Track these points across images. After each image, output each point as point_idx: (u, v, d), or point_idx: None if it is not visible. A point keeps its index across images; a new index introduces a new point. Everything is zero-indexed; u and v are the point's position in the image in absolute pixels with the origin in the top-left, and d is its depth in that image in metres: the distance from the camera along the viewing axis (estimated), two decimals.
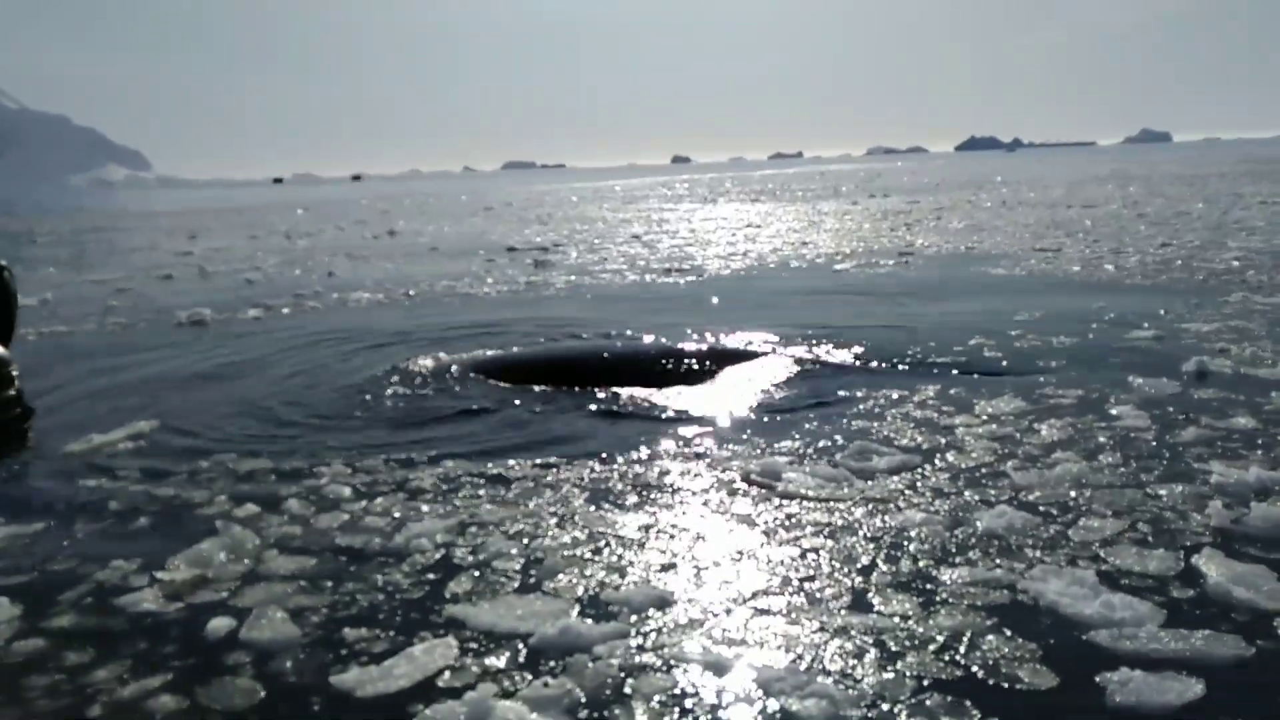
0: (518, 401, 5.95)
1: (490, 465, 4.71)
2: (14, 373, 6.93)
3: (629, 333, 8.17)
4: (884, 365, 6.34)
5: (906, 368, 6.30)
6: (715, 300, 10.19)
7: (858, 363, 6.43)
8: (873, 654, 2.83)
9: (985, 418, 5.15)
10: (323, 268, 14.66)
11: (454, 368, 6.78)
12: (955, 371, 6.13)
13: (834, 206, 29.57)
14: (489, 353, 7.17)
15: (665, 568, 3.49)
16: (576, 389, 6.17)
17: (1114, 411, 5.14)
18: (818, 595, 3.23)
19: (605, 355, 6.84)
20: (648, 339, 7.69)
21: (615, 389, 6.11)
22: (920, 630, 2.96)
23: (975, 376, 6.02)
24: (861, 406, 5.48)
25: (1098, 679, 2.65)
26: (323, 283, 12.68)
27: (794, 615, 3.10)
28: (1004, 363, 6.35)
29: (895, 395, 5.66)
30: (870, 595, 3.21)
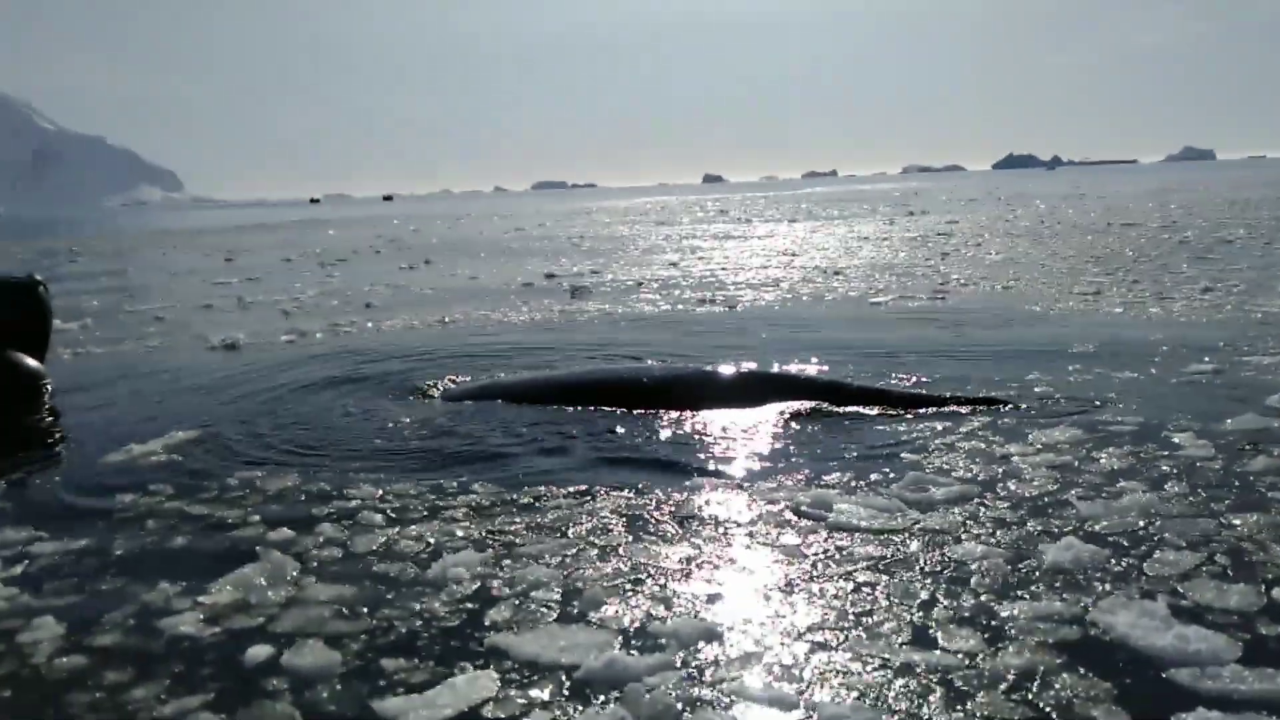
0: (549, 427, 5.88)
1: (523, 492, 4.65)
2: (47, 385, 6.99)
3: (666, 359, 8.09)
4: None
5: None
6: (752, 329, 10.06)
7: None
8: (939, 693, 2.74)
9: (1041, 447, 5.00)
10: (360, 299, 14.74)
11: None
12: (1005, 404, 5.92)
13: (872, 229, 29.36)
14: (518, 376, 7.11)
15: (712, 599, 3.41)
16: (609, 411, 6.10)
17: (1176, 440, 4.99)
18: (878, 630, 3.13)
19: (643, 379, 6.69)
20: (685, 364, 7.60)
21: (651, 413, 6.03)
22: (988, 668, 2.86)
23: (1025, 407, 5.83)
24: (909, 436, 5.35)
25: (1184, 716, 2.54)
26: (359, 312, 12.72)
27: (853, 650, 3.00)
28: (1056, 394, 6.12)
29: (941, 426, 5.52)
30: (933, 631, 3.10)
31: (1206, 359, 6.97)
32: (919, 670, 2.86)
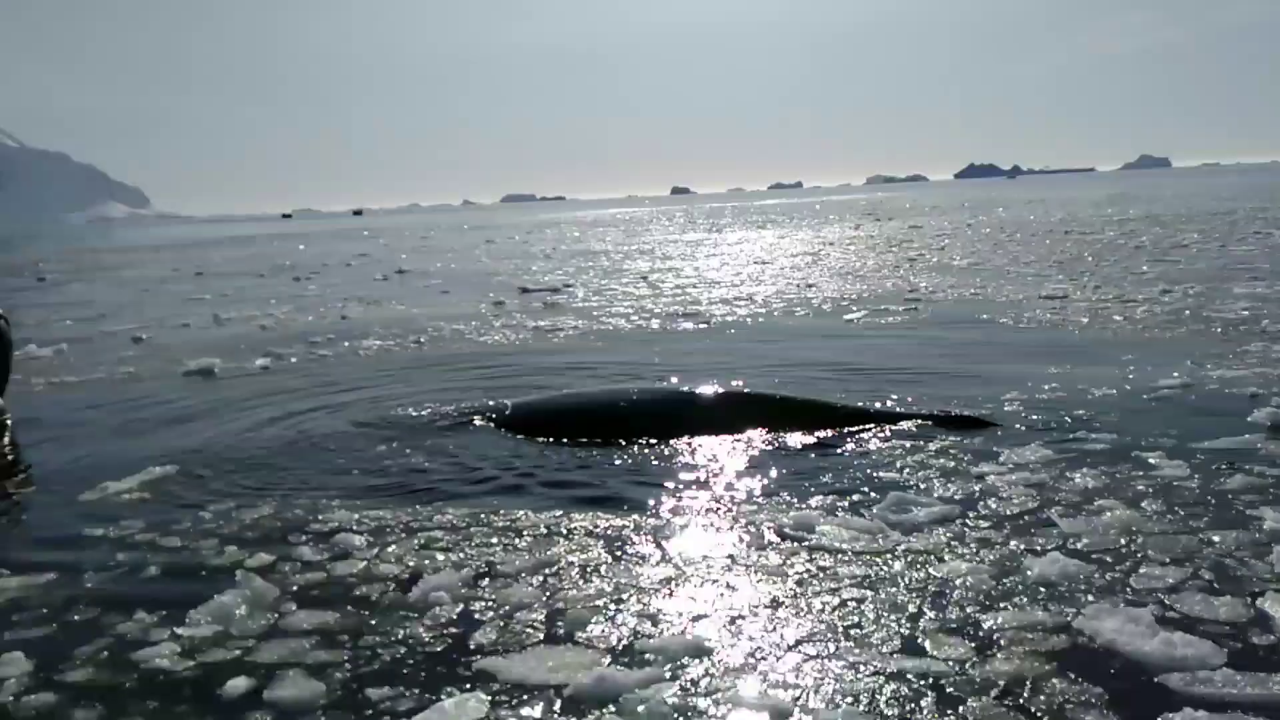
0: (524, 450, 5.88)
1: (501, 514, 4.64)
2: (7, 421, 6.85)
3: (643, 379, 8.09)
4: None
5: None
6: (726, 346, 10.07)
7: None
8: (930, 698, 2.81)
9: (1014, 465, 5.05)
10: (336, 313, 14.63)
11: (458, 414, 6.75)
12: (977, 422, 5.96)
13: (838, 235, 29.63)
14: (495, 401, 7.07)
15: (697, 618, 3.43)
16: (587, 438, 6.08)
17: (1151, 460, 5.03)
18: (867, 641, 3.18)
19: (620, 403, 6.65)
20: (662, 384, 7.56)
21: (626, 437, 6.01)
22: (979, 675, 2.93)
23: (1004, 426, 5.87)
24: (885, 456, 5.37)
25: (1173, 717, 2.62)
26: (335, 329, 12.65)
27: (844, 661, 3.06)
28: (1031, 413, 6.17)
29: (913, 444, 5.55)
30: (922, 640, 3.17)
31: (1175, 374, 7.04)
32: (910, 678, 2.93)
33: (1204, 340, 8.67)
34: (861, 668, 2.98)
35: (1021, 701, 2.75)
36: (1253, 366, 7.33)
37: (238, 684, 3.06)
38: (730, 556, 4.01)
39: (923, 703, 2.77)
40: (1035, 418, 6.05)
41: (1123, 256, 18.12)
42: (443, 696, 2.92)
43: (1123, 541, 3.95)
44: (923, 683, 2.88)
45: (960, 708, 2.73)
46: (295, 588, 3.85)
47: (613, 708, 2.82)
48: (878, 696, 2.81)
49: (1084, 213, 37.77)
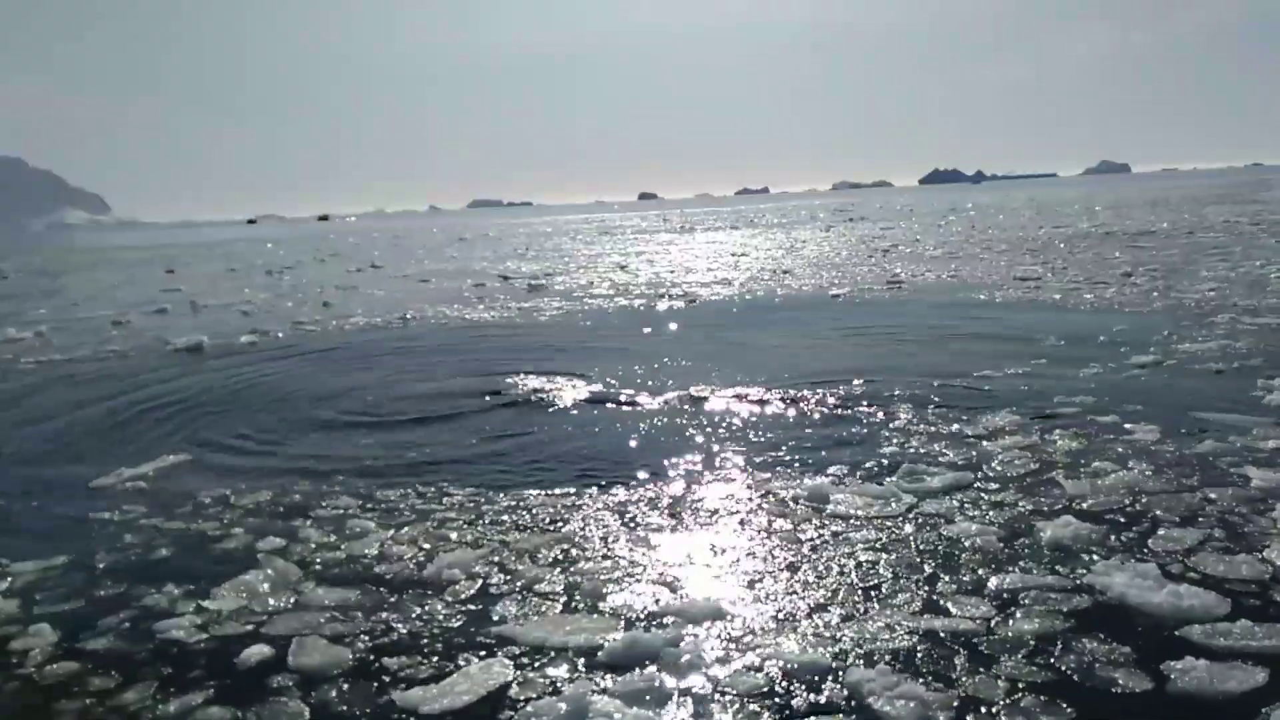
0: (531, 424, 5.85)
1: (511, 492, 4.59)
2: None
3: (645, 354, 8.08)
4: (895, 390, 6.23)
5: (919, 391, 6.18)
6: (712, 327, 10.06)
7: (872, 390, 6.31)
8: (963, 656, 2.82)
9: (1013, 435, 5.10)
10: (316, 299, 14.47)
11: (460, 392, 6.75)
12: (969, 395, 6.04)
13: (810, 234, 29.78)
14: (497, 375, 7.04)
15: (715, 580, 3.42)
16: (599, 410, 6.08)
17: (1128, 426, 5.11)
18: (893, 603, 3.19)
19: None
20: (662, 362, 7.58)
21: (637, 410, 6.03)
22: (1007, 634, 2.94)
23: (991, 399, 5.94)
24: (887, 429, 5.40)
25: (1178, 667, 2.67)
26: (319, 312, 12.50)
27: (872, 620, 3.06)
28: (1019, 385, 6.27)
29: (912, 416, 5.61)
30: (944, 602, 3.18)
31: (1149, 350, 7.19)
32: (942, 637, 2.93)
33: (1171, 318, 8.87)
34: (895, 628, 2.97)
35: (1051, 661, 2.76)
36: (1220, 339, 7.53)
37: (263, 651, 3.05)
38: (744, 523, 4.00)
39: (956, 660, 2.78)
40: (1022, 388, 6.16)
41: (1093, 243, 18.38)
42: (464, 663, 2.90)
43: (1127, 501, 3.98)
44: (956, 642, 2.88)
45: (994, 666, 2.74)
46: (312, 567, 3.78)
47: (640, 662, 2.82)
48: (913, 654, 2.81)
49: (1052, 209, 38.22)
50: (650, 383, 6.82)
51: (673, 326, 10.04)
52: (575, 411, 6.10)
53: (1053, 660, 2.76)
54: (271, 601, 3.46)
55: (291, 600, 3.48)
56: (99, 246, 55.98)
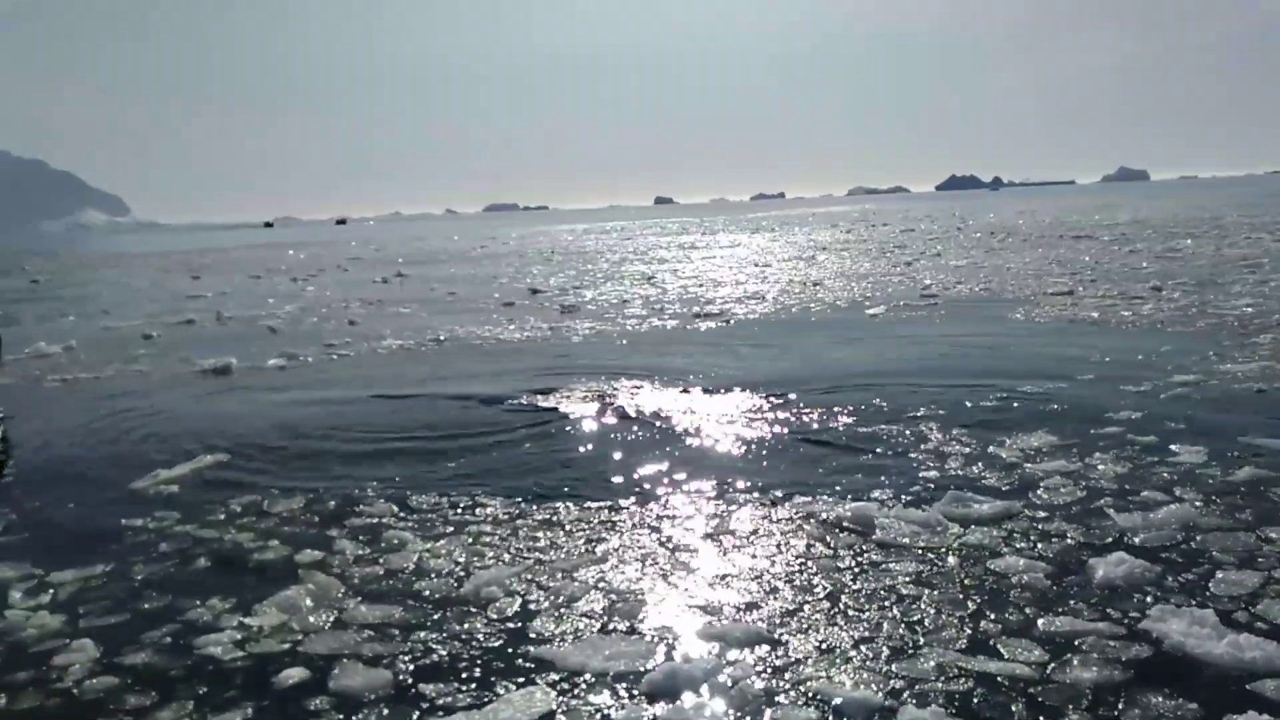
0: (567, 444, 5.90)
1: (543, 506, 4.66)
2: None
3: (685, 373, 8.09)
4: (938, 409, 6.24)
5: (963, 408, 6.21)
6: (747, 345, 10.04)
7: (913, 408, 6.34)
8: (1021, 704, 2.78)
9: (1055, 458, 5.09)
10: (341, 315, 14.49)
11: (492, 409, 6.86)
12: (1018, 415, 6.03)
13: (830, 238, 29.78)
14: (527, 395, 7.13)
15: (755, 605, 3.42)
16: (637, 428, 6.15)
17: (1178, 453, 5.07)
18: (941, 639, 3.16)
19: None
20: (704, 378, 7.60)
21: (678, 426, 6.08)
22: (1065, 681, 2.91)
23: (1035, 418, 5.94)
24: (930, 449, 5.40)
25: None
26: (347, 332, 12.45)
27: (922, 659, 3.03)
28: (1059, 407, 6.26)
29: (953, 435, 5.62)
30: (993, 642, 3.15)
31: (1194, 373, 7.12)
32: (1000, 679, 2.89)
33: (1210, 337, 8.78)
34: (947, 669, 2.93)
35: (1110, 713, 2.70)
36: (1264, 361, 7.44)
37: (303, 673, 3.11)
38: (782, 546, 4.00)
39: (1014, 708, 2.73)
40: (1067, 410, 6.12)
41: (1120, 255, 18.31)
42: (504, 690, 2.92)
43: (1179, 538, 3.92)
44: (1009, 685, 2.84)
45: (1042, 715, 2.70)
46: (351, 584, 3.85)
47: (683, 690, 2.84)
48: (971, 698, 2.77)
49: (1073, 219, 38.05)
50: (690, 402, 6.85)
51: (710, 344, 10.02)
52: (613, 432, 6.14)
53: (1116, 714, 2.69)
54: (311, 619, 3.52)
55: (331, 618, 3.53)
56: (120, 252, 56.30)
